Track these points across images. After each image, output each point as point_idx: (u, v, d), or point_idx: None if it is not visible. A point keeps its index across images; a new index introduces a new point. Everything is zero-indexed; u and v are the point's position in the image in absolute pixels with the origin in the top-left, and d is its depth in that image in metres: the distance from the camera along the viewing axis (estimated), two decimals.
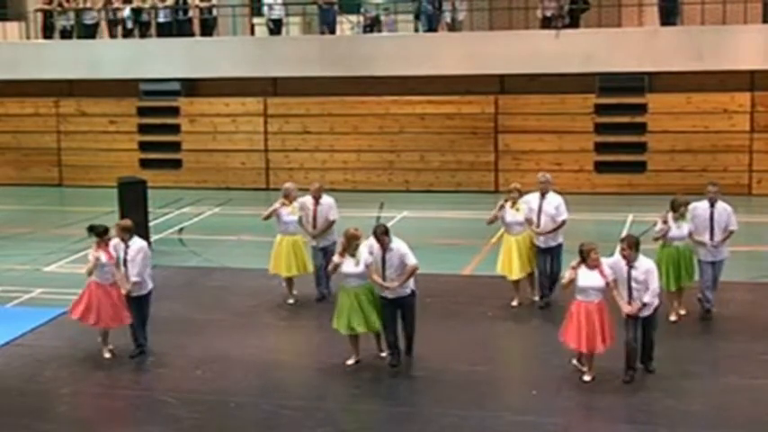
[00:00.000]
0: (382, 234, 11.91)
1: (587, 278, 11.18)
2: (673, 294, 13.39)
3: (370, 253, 11.90)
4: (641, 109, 24.27)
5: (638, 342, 11.31)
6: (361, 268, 11.85)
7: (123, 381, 11.96)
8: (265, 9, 26.75)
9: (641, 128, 24.28)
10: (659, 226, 13.28)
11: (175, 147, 26.68)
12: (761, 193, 23.36)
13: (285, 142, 26.04)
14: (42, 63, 26.78)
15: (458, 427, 10.59)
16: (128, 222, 12.78)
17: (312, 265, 14.86)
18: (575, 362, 11.65)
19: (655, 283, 11.18)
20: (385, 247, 11.88)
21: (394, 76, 24.98)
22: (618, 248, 11.40)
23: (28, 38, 28.44)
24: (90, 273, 12.36)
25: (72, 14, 27.66)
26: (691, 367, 12.17)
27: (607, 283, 11.16)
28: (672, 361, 11.64)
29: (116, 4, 27.28)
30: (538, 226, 14.05)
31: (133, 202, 18.88)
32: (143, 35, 27.25)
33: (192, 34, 26.97)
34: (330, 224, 14.68)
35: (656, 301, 11.29)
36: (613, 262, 11.36)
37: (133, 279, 12.29)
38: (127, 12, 27.18)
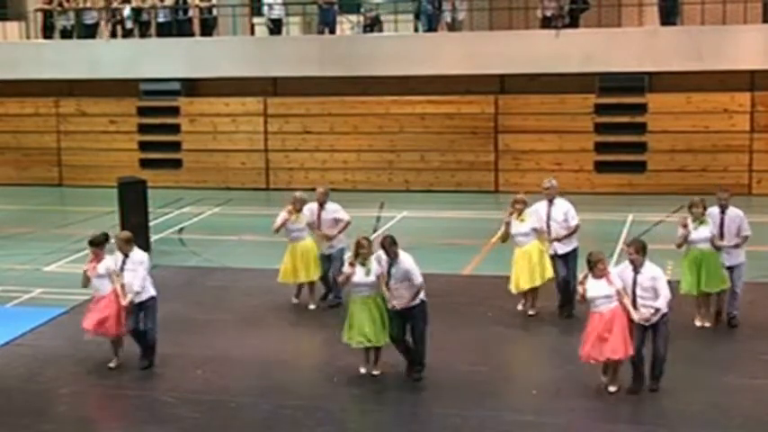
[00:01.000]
0: (391, 245, 11.68)
1: (594, 288, 10.98)
2: (699, 300, 13.22)
3: (379, 263, 11.71)
4: (641, 109, 24.27)
5: (645, 352, 11.11)
6: (372, 278, 11.65)
7: (123, 381, 11.95)
8: (265, 9, 26.76)
9: (641, 128, 24.28)
10: (680, 231, 13.05)
11: (175, 147, 26.69)
12: (761, 193, 23.38)
13: (285, 142, 26.05)
14: (42, 63, 26.79)
15: (458, 427, 10.59)
16: (128, 234, 12.58)
17: (320, 271, 14.64)
18: (603, 379, 11.31)
19: (665, 289, 10.95)
20: (393, 257, 11.67)
21: (394, 76, 24.98)
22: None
23: (28, 38, 28.45)
24: (84, 286, 12.36)
25: (72, 14, 27.67)
26: (691, 367, 12.17)
27: (617, 291, 10.94)
28: (672, 361, 11.62)
29: (116, 4, 27.28)
30: (549, 234, 13.80)
31: (133, 202, 18.89)
32: (143, 35, 27.26)
33: (191, 34, 26.97)
34: (345, 226, 14.56)
35: (666, 308, 11.03)
36: (620, 270, 11.22)
37: (135, 289, 12.06)
38: (127, 11, 27.17)
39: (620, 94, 24.24)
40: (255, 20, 27.94)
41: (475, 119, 24.98)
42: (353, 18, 27.12)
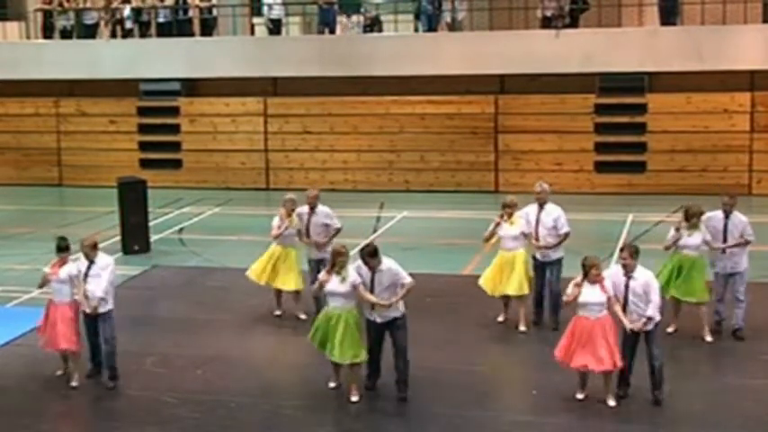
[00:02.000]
0: (369, 256, 11.06)
1: (588, 294, 10.79)
2: (669, 303, 12.90)
3: (359, 274, 11.12)
4: (641, 109, 24.27)
5: (635, 357, 10.97)
6: (347, 287, 11.04)
7: (123, 381, 11.94)
8: (265, 9, 26.76)
9: (641, 128, 24.28)
10: (671, 233, 12.90)
11: (175, 147, 26.69)
12: (761, 193, 23.37)
13: (285, 142, 26.05)
14: (42, 63, 26.79)
15: (458, 427, 10.59)
16: (93, 239, 12.04)
17: (299, 284, 14.19)
18: (579, 396, 11.11)
19: (656, 296, 10.77)
20: (374, 269, 11.10)
21: (394, 76, 24.98)
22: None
23: (28, 38, 28.45)
24: (41, 286, 12.15)
25: (72, 14, 27.67)
26: (691, 367, 12.18)
27: (608, 298, 10.78)
28: (672, 361, 11.63)
29: (116, 4, 27.28)
30: (536, 239, 13.43)
31: (133, 202, 18.91)
32: (143, 35, 27.26)
33: (192, 34, 26.98)
34: (335, 233, 14.07)
35: (658, 316, 10.85)
36: (612, 273, 11.02)
37: (98, 295, 11.61)
38: (127, 12, 27.17)
39: (620, 95, 24.24)
40: (255, 20, 27.95)
41: (475, 119, 24.98)
42: (354, 18, 27.11)
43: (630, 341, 10.92)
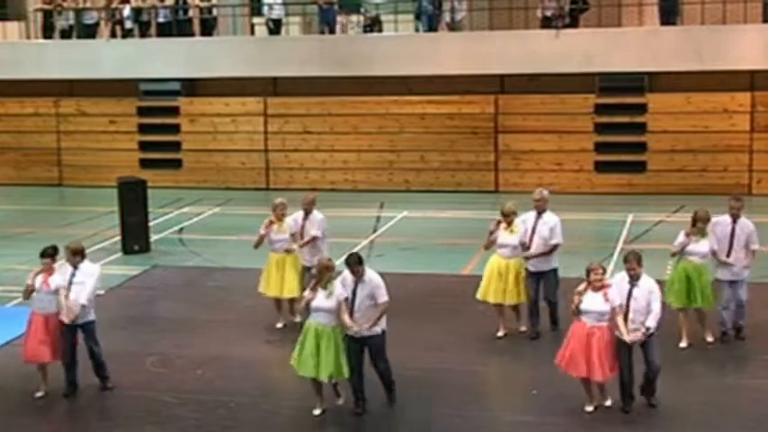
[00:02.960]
0: (356, 263, 10.86)
1: (590, 301, 10.66)
2: (681, 313, 12.75)
3: (344, 285, 10.85)
4: (641, 109, 24.27)
5: (633, 368, 10.79)
6: (332, 303, 10.67)
7: (123, 381, 11.94)
8: (265, 9, 26.76)
9: (641, 128, 24.28)
10: (681, 239, 12.61)
11: (175, 147, 26.69)
12: (761, 193, 23.36)
13: (285, 142, 26.04)
14: (42, 63, 26.78)
15: (458, 427, 10.60)
16: (78, 245, 11.76)
17: (299, 289, 13.61)
18: (588, 408, 10.91)
19: (657, 306, 10.63)
20: (359, 277, 10.89)
21: (394, 76, 24.98)
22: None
23: (28, 38, 28.46)
24: (26, 298, 11.74)
25: (72, 14, 27.66)
26: (691, 367, 12.17)
27: (612, 309, 10.61)
28: (672, 361, 11.63)
29: (116, 4, 27.28)
30: (529, 248, 13.07)
31: (133, 202, 18.92)
32: (143, 35, 27.26)
33: (192, 34, 26.97)
34: (311, 239, 13.76)
35: (654, 328, 10.62)
36: (618, 280, 10.86)
37: (81, 302, 11.30)
38: (127, 12, 27.18)
39: (621, 94, 24.23)
40: (255, 20, 27.95)
41: (475, 119, 24.98)
42: (353, 18, 27.12)
43: (627, 351, 10.68)
